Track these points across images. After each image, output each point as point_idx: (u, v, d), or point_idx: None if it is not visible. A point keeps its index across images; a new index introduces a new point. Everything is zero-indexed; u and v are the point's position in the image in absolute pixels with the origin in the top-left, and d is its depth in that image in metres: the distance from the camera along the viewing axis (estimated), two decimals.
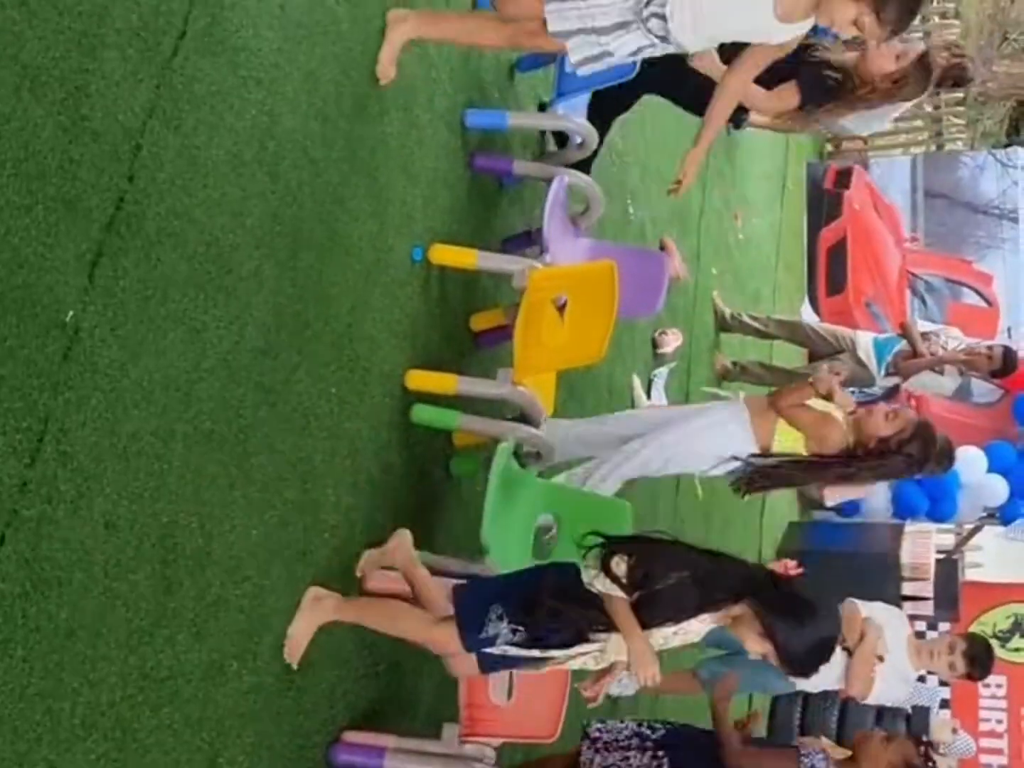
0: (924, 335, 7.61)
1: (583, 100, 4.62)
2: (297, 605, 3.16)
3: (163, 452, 2.66)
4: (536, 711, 3.27)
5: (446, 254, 4.03)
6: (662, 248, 6.37)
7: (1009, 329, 11.40)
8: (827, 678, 4.73)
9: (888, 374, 7.35)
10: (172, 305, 2.70)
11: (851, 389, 9.96)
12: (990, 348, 7.42)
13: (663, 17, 3.40)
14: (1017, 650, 9.00)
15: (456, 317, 4.27)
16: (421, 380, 3.87)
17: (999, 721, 8.79)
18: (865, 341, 7.41)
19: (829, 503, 6.18)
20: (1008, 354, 7.30)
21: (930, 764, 3.91)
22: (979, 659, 5.20)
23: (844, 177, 10.59)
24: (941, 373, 7.61)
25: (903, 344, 7.41)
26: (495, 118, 4.45)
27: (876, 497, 8.52)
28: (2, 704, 2.20)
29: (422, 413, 3.87)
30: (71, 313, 2.38)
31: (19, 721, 2.23)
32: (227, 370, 2.90)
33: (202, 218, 2.81)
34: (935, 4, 11.86)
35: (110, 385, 2.49)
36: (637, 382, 6.26)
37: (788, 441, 4.24)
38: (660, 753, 3.73)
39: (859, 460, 4.22)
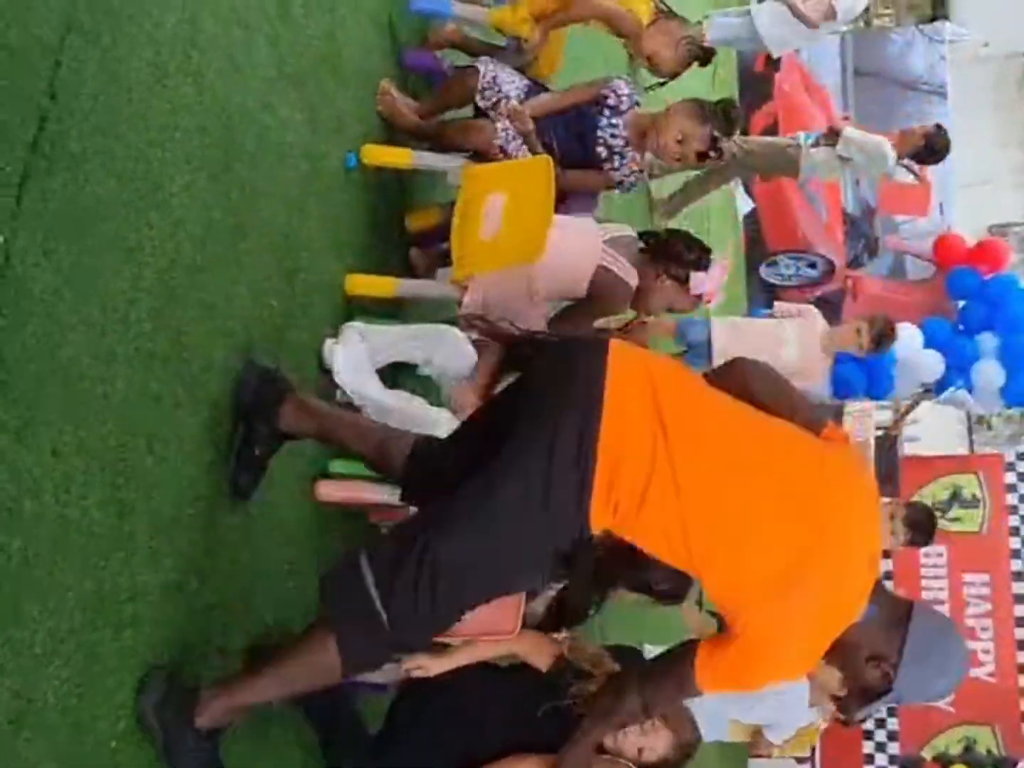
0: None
1: None
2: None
3: (105, 375, 2.62)
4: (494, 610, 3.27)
5: (380, 154, 3.97)
6: None
7: (941, 205, 11.48)
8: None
9: None
10: (104, 225, 2.63)
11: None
12: (924, 127, 7.64)
13: None
14: (956, 520, 9.23)
15: (395, 222, 4.22)
16: (360, 284, 3.84)
17: (940, 589, 9.05)
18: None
19: None
20: (932, 137, 7.41)
21: None
22: (920, 524, 5.31)
23: (774, 60, 10.51)
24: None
25: None
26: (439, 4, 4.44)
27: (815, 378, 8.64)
28: None
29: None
30: (1, 238, 2.32)
31: None
32: (165, 288, 2.85)
33: (128, 134, 2.73)
34: None
35: (46, 310, 2.44)
36: None
37: None
38: None
39: None
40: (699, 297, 4.08)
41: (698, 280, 4.01)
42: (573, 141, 4.19)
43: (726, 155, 6.82)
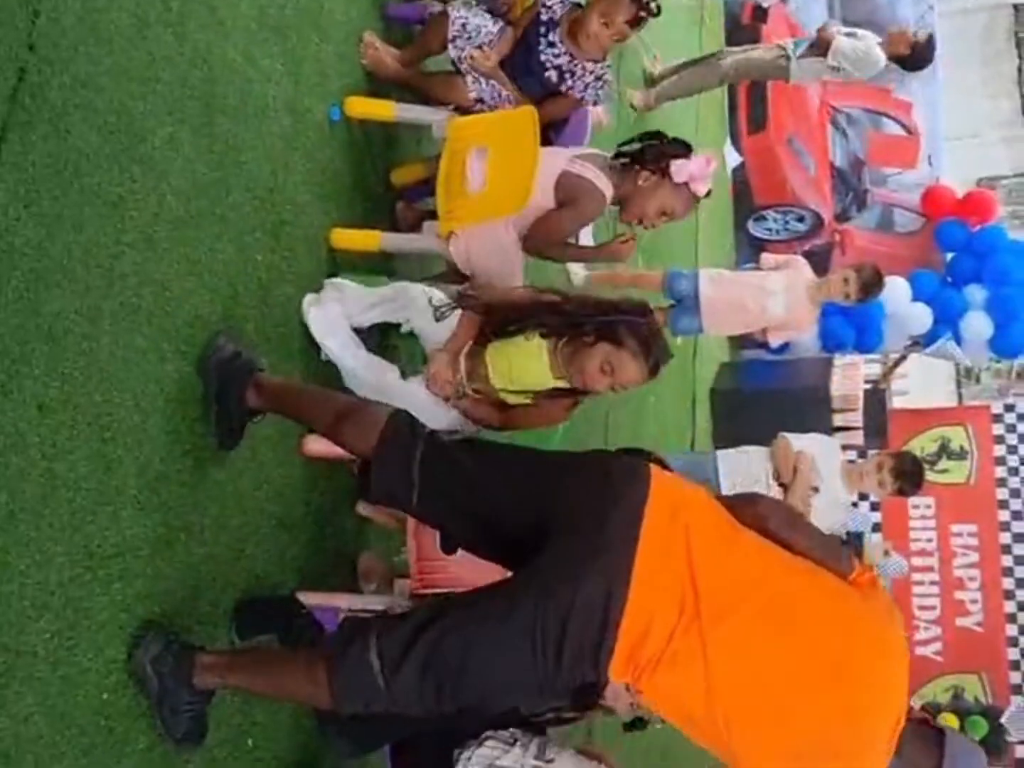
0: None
1: None
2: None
3: (90, 331, 2.61)
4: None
5: (364, 107, 3.94)
6: None
7: (930, 157, 11.45)
8: None
9: None
10: (86, 179, 2.61)
11: None
12: (916, 36, 7.61)
13: None
14: (944, 471, 9.27)
15: (379, 176, 4.20)
16: (345, 238, 3.82)
17: (929, 540, 9.11)
18: None
19: (773, 344, 6.33)
20: (919, 47, 7.44)
21: None
22: (907, 473, 5.37)
23: (761, 11, 10.45)
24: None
25: None
26: None
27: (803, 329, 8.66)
28: None
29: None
30: None
31: None
32: (148, 243, 2.84)
33: (109, 85, 2.70)
34: None
35: (29, 265, 2.42)
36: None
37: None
38: None
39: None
40: (688, 189, 3.78)
41: (679, 167, 3.73)
42: (528, 76, 4.06)
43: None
